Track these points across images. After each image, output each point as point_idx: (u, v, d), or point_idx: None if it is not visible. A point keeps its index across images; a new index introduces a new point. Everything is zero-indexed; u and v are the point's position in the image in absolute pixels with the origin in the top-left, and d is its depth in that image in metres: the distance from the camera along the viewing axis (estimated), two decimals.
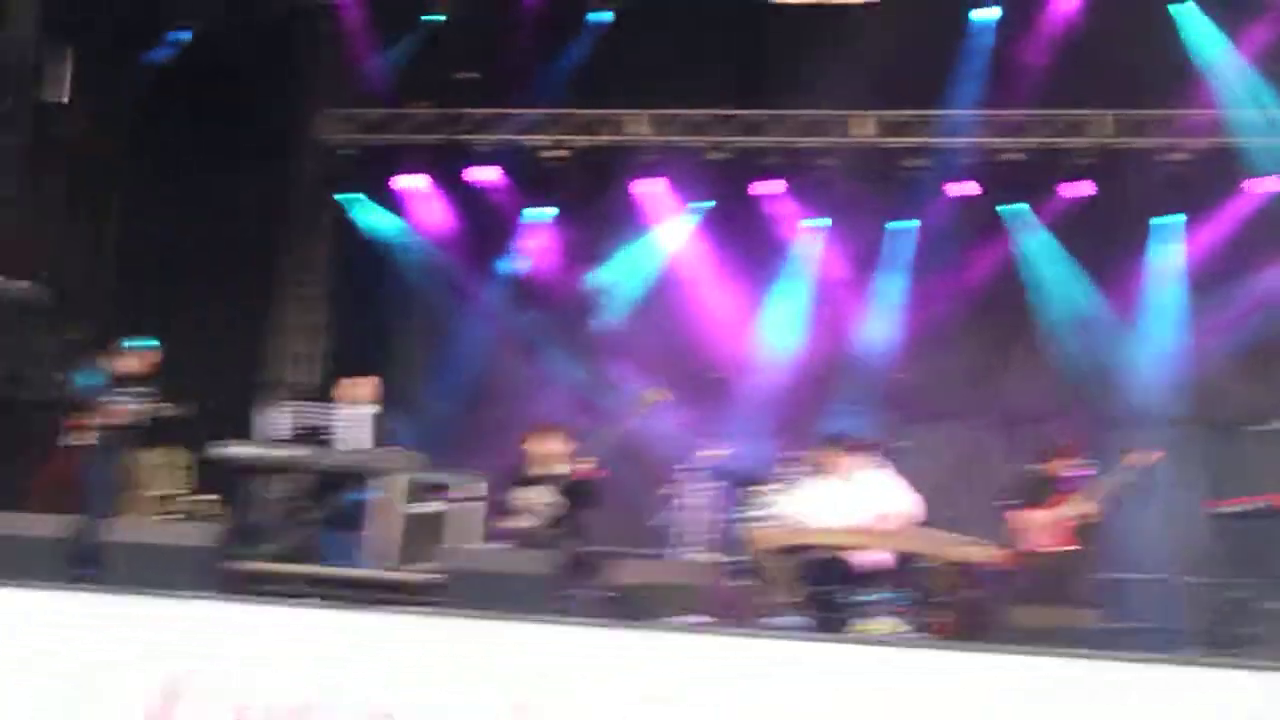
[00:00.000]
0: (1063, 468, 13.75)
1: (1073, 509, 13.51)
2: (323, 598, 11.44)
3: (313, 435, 13.31)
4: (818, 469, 12.74)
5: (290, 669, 9.42)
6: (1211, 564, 15.03)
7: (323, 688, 9.33)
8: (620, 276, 17.41)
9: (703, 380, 15.71)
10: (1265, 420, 14.85)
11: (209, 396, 13.79)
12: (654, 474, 15.61)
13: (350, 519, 13.78)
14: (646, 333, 17.38)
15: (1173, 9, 15.46)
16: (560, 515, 12.75)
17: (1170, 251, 16.11)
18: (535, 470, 12.92)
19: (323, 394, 15.63)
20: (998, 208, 16.42)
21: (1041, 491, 13.72)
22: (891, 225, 16.74)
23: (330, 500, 13.44)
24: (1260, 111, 15.50)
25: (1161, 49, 15.48)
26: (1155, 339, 16.15)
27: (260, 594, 11.10)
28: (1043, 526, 13.50)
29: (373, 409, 14.07)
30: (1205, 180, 15.84)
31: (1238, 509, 13.04)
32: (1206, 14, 15.53)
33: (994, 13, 15.93)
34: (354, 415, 13.61)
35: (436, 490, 13.23)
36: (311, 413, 13.51)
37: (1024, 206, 16.48)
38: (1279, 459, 15.33)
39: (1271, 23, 15.07)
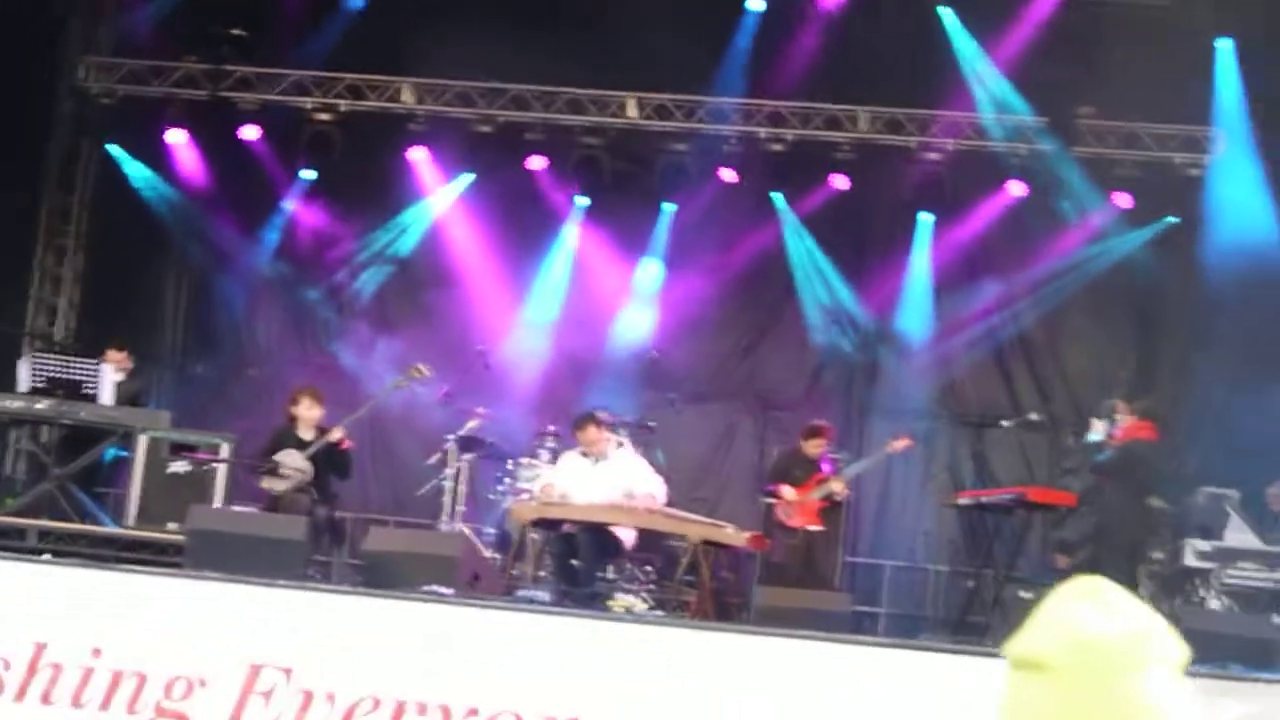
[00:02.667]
0: (816, 449, 14.05)
1: (823, 489, 13.81)
2: (56, 554, 11.24)
3: (62, 388, 13.00)
4: (576, 446, 12.84)
5: (20, 625, 9.27)
6: (954, 553, 15.55)
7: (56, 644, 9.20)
8: (384, 244, 17.27)
9: (466, 353, 15.68)
10: (1000, 419, 15.36)
11: None
12: (417, 445, 15.61)
13: (99, 477, 13.55)
14: (409, 303, 17.32)
15: (940, 10, 15.77)
16: (311, 481, 12.69)
17: (921, 249, 16.48)
18: (303, 433, 12.86)
19: (75, 347, 15.32)
20: (767, 195, 16.60)
21: (795, 472, 14.00)
22: (653, 208, 16.84)
23: (77, 456, 13.17)
24: (1009, 118, 15.94)
25: (925, 49, 15.83)
26: (905, 334, 16.52)
27: None
28: (794, 505, 13.77)
29: (116, 374, 13.84)
30: (957, 181, 16.23)
31: (983, 500, 13.46)
32: (962, 20, 15.87)
33: (760, 4, 16.07)
34: (104, 371, 13.35)
35: (185, 450, 13.03)
36: (62, 366, 13.21)
37: (781, 197, 16.68)
38: (1016, 454, 15.95)
39: (1020, 32, 15.48)
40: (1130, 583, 12.01)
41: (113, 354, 14.01)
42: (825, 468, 14.05)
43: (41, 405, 12.93)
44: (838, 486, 13.86)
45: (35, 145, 16.97)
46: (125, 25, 17.16)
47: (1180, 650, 1.74)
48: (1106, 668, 1.69)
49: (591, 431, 12.51)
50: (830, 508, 13.87)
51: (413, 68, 16.86)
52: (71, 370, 13.18)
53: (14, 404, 13.08)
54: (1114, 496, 12.39)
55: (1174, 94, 15.41)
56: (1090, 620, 1.73)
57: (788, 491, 13.85)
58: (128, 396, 13.80)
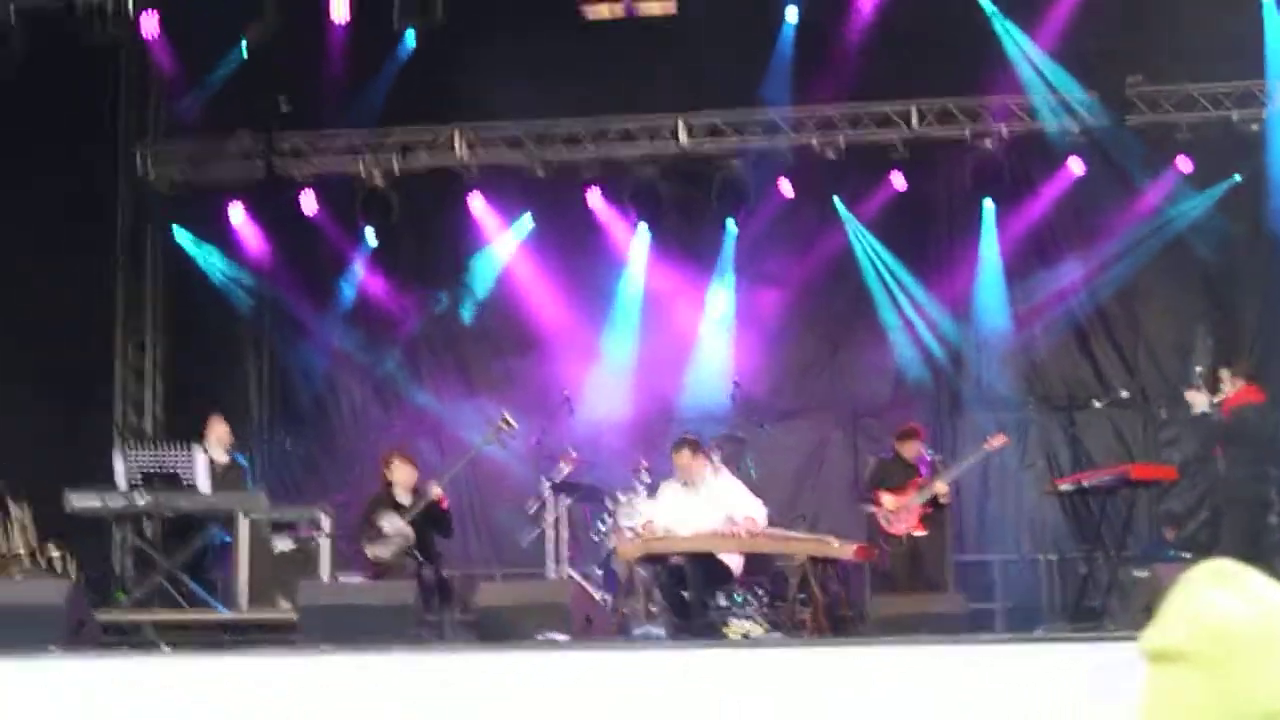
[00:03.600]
0: (912, 453, 13.99)
1: (925, 493, 13.74)
2: (173, 645, 11.35)
3: (159, 480, 13.15)
4: (671, 477, 12.85)
5: (149, 718, 9.35)
6: (1062, 540, 15.43)
7: None
8: (455, 298, 17.34)
9: (551, 399, 15.73)
10: (1090, 399, 15.26)
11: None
12: (514, 496, 15.67)
13: (207, 563, 13.68)
14: (488, 354, 17.39)
15: None
16: (415, 543, 12.76)
17: (989, 238, 16.41)
18: (400, 497, 12.95)
19: (165, 438, 15.46)
20: (827, 202, 16.58)
21: (894, 477, 13.95)
22: (717, 228, 16.86)
23: (183, 545, 13.31)
24: (1059, 96, 15.85)
25: (966, 36, 15.76)
26: (983, 324, 16.44)
27: (114, 646, 10.99)
28: (896, 512, 13.71)
29: (217, 451, 13.98)
30: (1015, 166, 16.16)
31: (1084, 484, 13.33)
32: (999, 2, 15.81)
33: (792, 14, 16.06)
34: (197, 458, 13.48)
35: (288, 528, 13.13)
36: (155, 458, 13.35)
37: (841, 202, 16.67)
38: (1110, 433, 15.82)
39: (1060, 7, 15.40)
40: (1256, 556, 11.88)
41: (216, 425, 14.16)
42: (923, 470, 13.99)
43: (142, 501, 13.08)
44: (941, 489, 13.78)
45: (100, 240, 17.16)
46: (174, 107, 17.33)
47: None
48: (1248, 654, 1.68)
49: (686, 455, 12.52)
50: (934, 511, 13.80)
51: (461, 115, 16.92)
52: (165, 462, 13.31)
53: (116, 502, 13.23)
54: (1229, 466, 12.20)
55: (1224, 51, 15.29)
56: (1227, 606, 1.72)
57: (888, 499, 13.79)
58: (226, 478, 13.93)
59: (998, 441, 14.10)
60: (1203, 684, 1.69)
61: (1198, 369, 12.73)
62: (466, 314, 17.28)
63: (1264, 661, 1.67)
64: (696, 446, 12.68)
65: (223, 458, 13.99)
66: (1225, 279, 16.08)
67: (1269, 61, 15.30)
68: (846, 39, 15.80)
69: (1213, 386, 12.54)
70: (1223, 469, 12.35)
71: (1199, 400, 12.37)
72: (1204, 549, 13.50)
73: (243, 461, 14.52)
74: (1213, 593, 1.74)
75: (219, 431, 14.16)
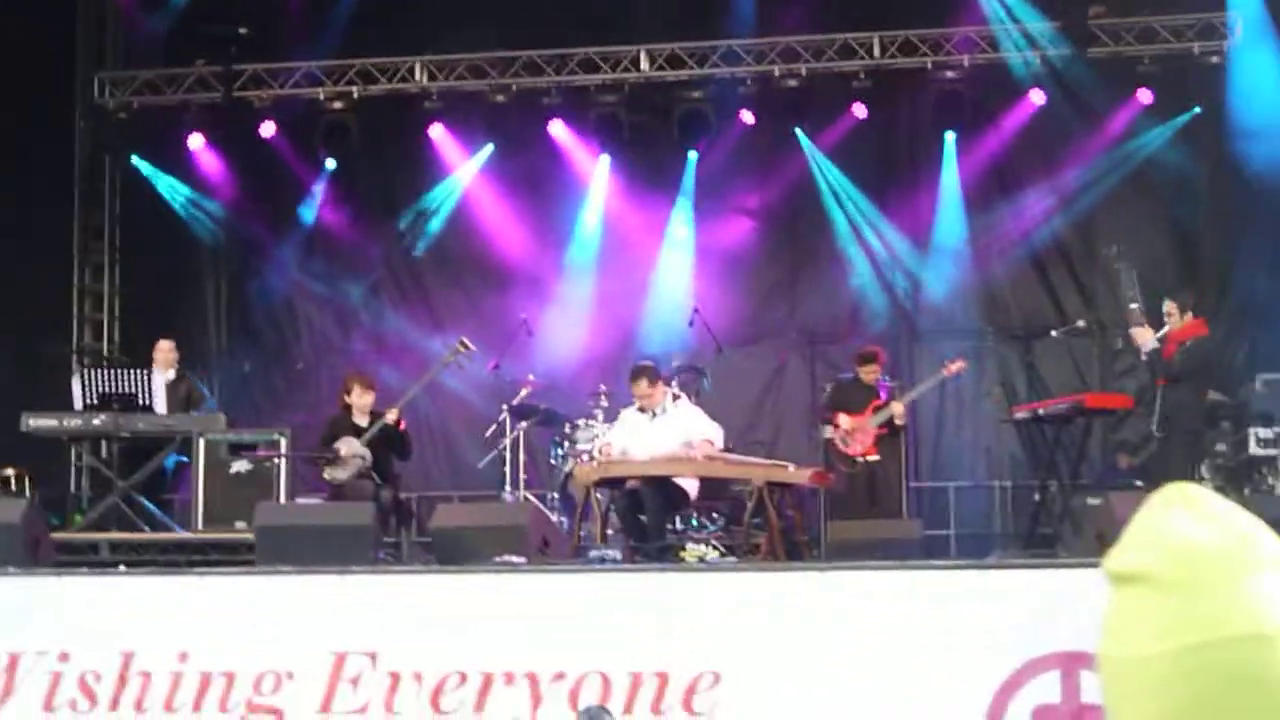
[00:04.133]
0: (871, 376, 14.05)
1: (881, 414, 13.81)
2: (130, 564, 11.38)
3: (116, 401, 13.12)
4: (629, 403, 12.87)
5: (105, 638, 9.39)
6: (1016, 467, 15.56)
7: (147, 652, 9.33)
8: (414, 224, 17.30)
9: (509, 323, 15.75)
10: (1047, 329, 15.34)
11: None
12: (472, 420, 15.71)
13: (162, 484, 13.69)
14: (446, 280, 17.37)
15: None
16: (372, 466, 12.79)
17: (950, 168, 16.44)
18: (358, 420, 12.97)
19: (122, 359, 15.46)
20: (789, 132, 16.58)
21: (852, 399, 14.01)
22: (678, 157, 16.85)
23: (139, 466, 13.31)
24: (1021, 27, 15.87)
25: None
26: (942, 254, 16.49)
27: (70, 565, 11.01)
28: (852, 432, 13.77)
29: (166, 371, 13.98)
30: (976, 97, 16.20)
31: (1040, 412, 13.41)
32: None
33: None
34: (155, 378, 13.46)
35: (244, 449, 13.13)
36: (113, 379, 13.32)
37: (803, 132, 16.67)
38: (1066, 363, 15.91)
39: None
40: (1195, 477, 12.00)
41: (162, 344, 14.18)
42: (882, 394, 14.06)
43: (99, 420, 13.06)
44: (898, 409, 13.83)
45: (59, 164, 17.09)
46: (132, 36, 17.23)
47: None
48: (1213, 576, 1.70)
49: (644, 385, 12.53)
50: (888, 435, 13.86)
51: (422, 46, 16.87)
52: (123, 382, 13.29)
53: (72, 422, 13.21)
54: (1176, 396, 12.28)
55: None
56: (1190, 529, 1.74)
57: (844, 419, 13.85)
58: (181, 398, 13.92)
59: (955, 366, 14.16)
60: (1166, 606, 1.71)
61: (1133, 305, 12.66)
62: (423, 243, 17.24)
63: (1227, 584, 1.69)
64: (654, 375, 12.69)
65: (171, 375, 14.00)
66: (1185, 211, 16.14)
67: None
68: None
69: (1153, 319, 12.56)
70: (1165, 401, 12.40)
71: (1145, 336, 12.38)
72: (1157, 478, 13.64)
73: (198, 383, 14.50)
74: (1177, 515, 1.76)
75: (164, 350, 14.17)
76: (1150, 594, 1.72)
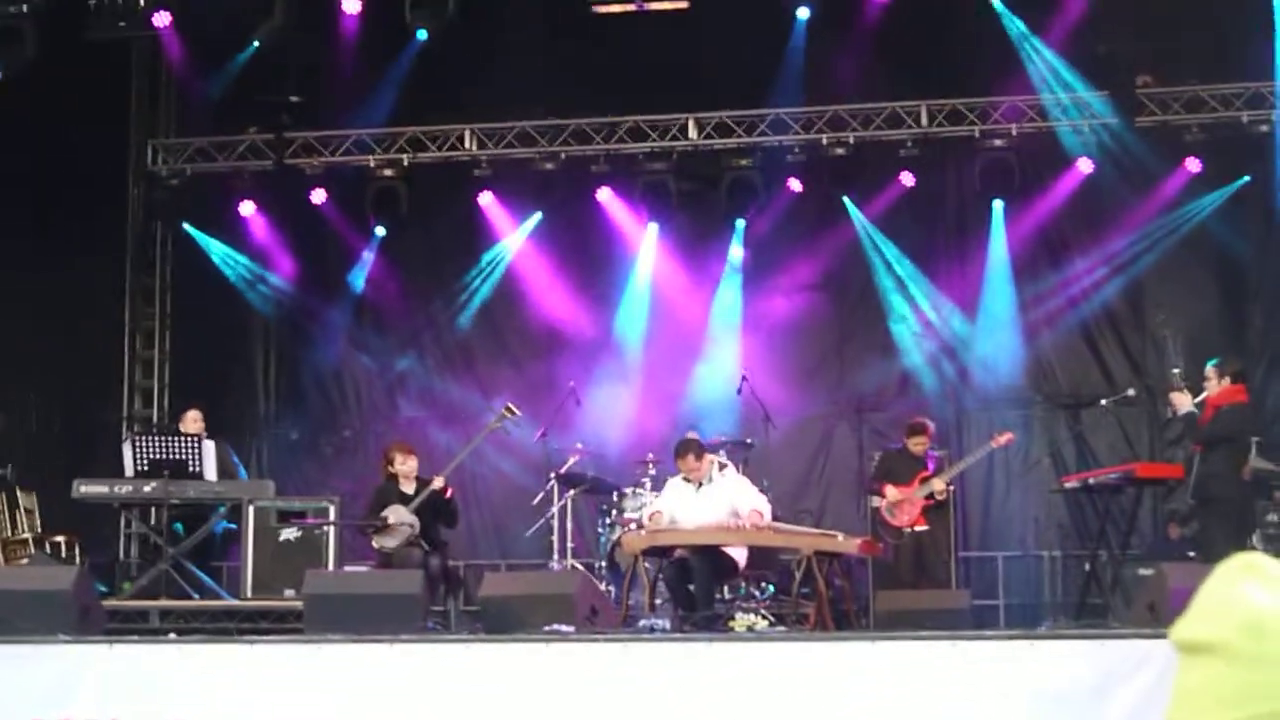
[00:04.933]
0: (919, 447, 14.03)
1: (927, 487, 13.77)
2: (179, 632, 11.39)
3: (167, 468, 13.16)
4: (676, 472, 12.84)
5: (155, 705, 9.39)
6: (1065, 537, 15.47)
7: None
8: (463, 292, 17.36)
9: (557, 391, 15.77)
10: (1096, 398, 15.29)
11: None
12: (520, 488, 15.71)
13: (212, 550, 13.72)
14: (495, 347, 17.41)
15: None
16: (420, 534, 12.79)
17: (998, 237, 16.43)
18: (404, 487, 13.00)
19: (171, 426, 15.53)
20: (837, 200, 16.60)
21: (900, 470, 13.98)
22: (726, 226, 16.89)
23: (189, 533, 13.35)
24: (1069, 96, 15.88)
25: (977, 36, 15.77)
26: (991, 323, 16.46)
27: (119, 632, 11.02)
28: (899, 504, 13.74)
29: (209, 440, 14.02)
30: (1024, 165, 16.19)
31: (1090, 482, 13.33)
32: (1005, 3, 15.80)
33: (804, 12, 15.99)
34: (204, 446, 13.51)
35: (294, 517, 13.15)
36: (163, 446, 13.38)
37: (851, 201, 16.68)
38: (1116, 432, 15.84)
39: (1070, 8, 15.39)
40: (1247, 547, 11.89)
41: (189, 414, 14.25)
42: (929, 465, 14.04)
43: (149, 487, 13.10)
44: (938, 485, 13.82)
45: (111, 230, 17.26)
46: (185, 103, 17.42)
47: None
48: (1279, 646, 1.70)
49: (691, 460, 12.50)
50: (935, 506, 13.83)
51: (471, 114, 17.00)
52: (173, 449, 13.34)
53: (123, 489, 13.25)
54: (1210, 463, 12.21)
55: (1232, 52, 15.34)
56: (1258, 598, 1.74)
57: (891, 491, 13.83)
58: (228, 462, 13.97)
59: (1003, 439, 14.13)
60: (1234, 675, 1.71)
61: (1175, 370, 12.67)
62: (465, 315, 17.30)
63: None
64: (700, 449, 12.67)
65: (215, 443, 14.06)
66: (1234, 280, 16.09)
67: (1278, 63, 15.31)
68: (857, 37, 15.79)
69: (1196, 385, 12.52)
70: (1201, 469, 12.33)
71: (1183, 402, 12.36)
72: (1206, 549, 13.53)
73: (225, 447, 14.51)
74: (1244, 585, 1.75)
75: (190, 420, 14.20)
76: (1219, 663, 1.72)
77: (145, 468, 13.19)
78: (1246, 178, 15.76)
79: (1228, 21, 14.93)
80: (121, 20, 14.88)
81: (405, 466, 13.06)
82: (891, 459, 14.38)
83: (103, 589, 13.01)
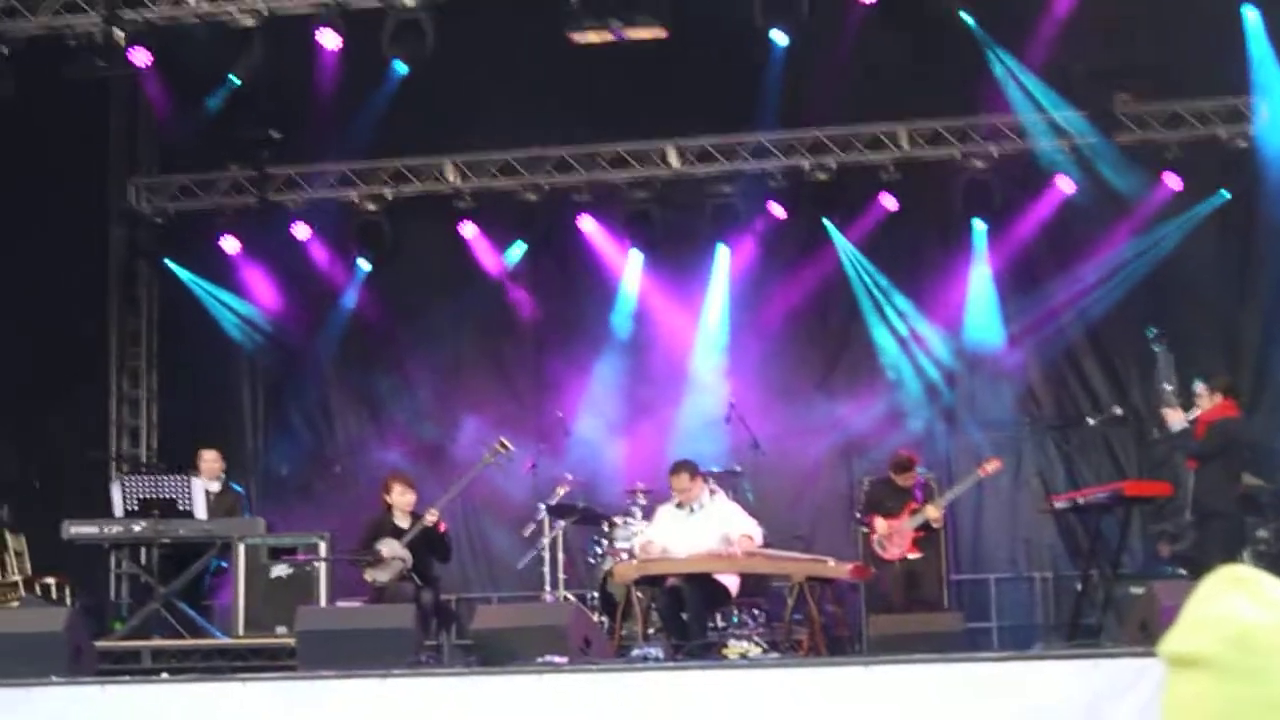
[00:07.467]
0: (907, 481, 14.04)
1: (917, 518, 13.78)
2: (171, 672, 11.37)
3: (156, 508, 13.14)
4: (667, 500, 12.85)
5: None
6: (1057, 558, 15.47)
7: None
8: (448, 323, 17.34)
9: (546, 421, 15.78)
10: (1083, 418, 15.31)
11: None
12: (511, 520, 15.69)
13: (202, 589, 13.69)
14: (482, 378, 17.40)
15: (963, 14, 15.67)
16: (412, 568, 12.78)
17: (980, 258, 16.46)
18: (398, 521, 12.98)
19: (162, 466, 15.52)
20: (819, 224, 16.63)
21: (888, 501, 13.99)
22: (709, 252, 16.92)
23: (179, 573, 13.31)
24: (1047, 115, 15.91)
25: (954, 58, 15.78)
26: (975, 344, 16.47)
27: (111, 673, 10.99)
28: (889, 536, 13.76)
29: (210, 481, 14.00)
30: (1005, 186, 16.21)
31: (1079, 502, 13.35)
32: (985, 22, 15.80)
33: (782, 37, 15.97)
34: (195, 485, 13.49)
35: (285, 554, 13.13)
36: (152, 485, 13.36)
37: (832, 224, 16.70)
38: (1103, 452, 15.85)
39: (1045, 27, 15.41)
40: (1237, 564, 11.89)
41: (207, 454, 14.21)
42: (918, 495, 14.04)
43: (139, 527, 13.07)
44: (934, 514, 13.83)
45: (94, 270, 17.25)
46: (164, 140, 17.40)
47: None
48: (1269, 659, 1.71)
49: (685, 479, 12.53)
50: (926, 534, 13.86)
51: (453, 146, 17.03)
52: (162, 488, 13.33)
53: (113, 529, 13.23)
54: (1205, 479, 12.24)
55: (1209, 68, 15.39)
56: (1246, 611, 1.75)
57: (880, 525, 13.83)
58: (224, 510, 13.92)
59: (991, 466, 14.16)
60: (1222, 689, 1.72)
61: (1166, 387, 12.69)
62: (457, 343, 17.31)
63: None
64: (695, 470, 12.70)
65: (216, 486, 14.03)
66: (1220, 296, 16.11)
67: (1254, 78, 15.36)
68: (835, 62, 15.81)
69: (1187, 401, 12.56)
70: (1196, 485, 12.37)
71: (1175, 418, 12.41)
72: (1198, 566, 13.54)
73: (238, 488, 14.54)
74: (1232, 598, 1.77)
75: (208, 460, 14.20)
76: (1207, 677, 1.73)
77: (135, 507, 13.17)
78: (1225, 194, 15.79)
79: (1203, 37, 14.96)
80: (101, 60, 14.84)
81: (403, 499, 13.05)
82: (880, 489, 14.36)
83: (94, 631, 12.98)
